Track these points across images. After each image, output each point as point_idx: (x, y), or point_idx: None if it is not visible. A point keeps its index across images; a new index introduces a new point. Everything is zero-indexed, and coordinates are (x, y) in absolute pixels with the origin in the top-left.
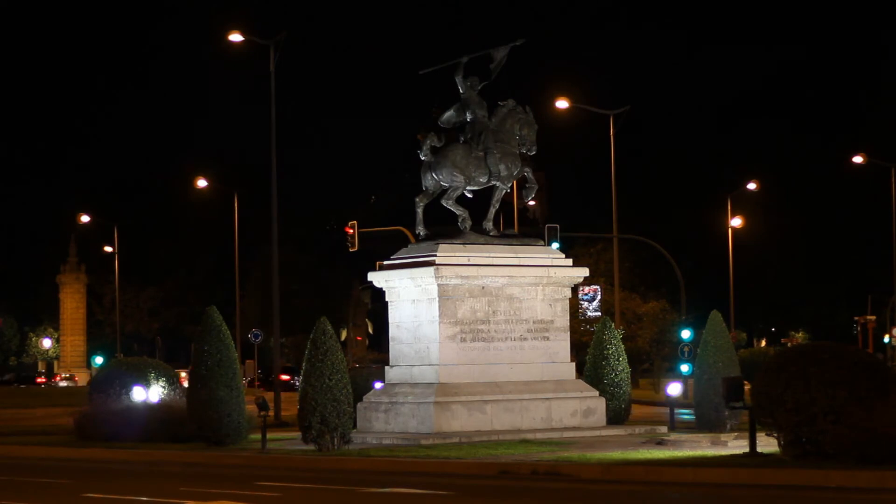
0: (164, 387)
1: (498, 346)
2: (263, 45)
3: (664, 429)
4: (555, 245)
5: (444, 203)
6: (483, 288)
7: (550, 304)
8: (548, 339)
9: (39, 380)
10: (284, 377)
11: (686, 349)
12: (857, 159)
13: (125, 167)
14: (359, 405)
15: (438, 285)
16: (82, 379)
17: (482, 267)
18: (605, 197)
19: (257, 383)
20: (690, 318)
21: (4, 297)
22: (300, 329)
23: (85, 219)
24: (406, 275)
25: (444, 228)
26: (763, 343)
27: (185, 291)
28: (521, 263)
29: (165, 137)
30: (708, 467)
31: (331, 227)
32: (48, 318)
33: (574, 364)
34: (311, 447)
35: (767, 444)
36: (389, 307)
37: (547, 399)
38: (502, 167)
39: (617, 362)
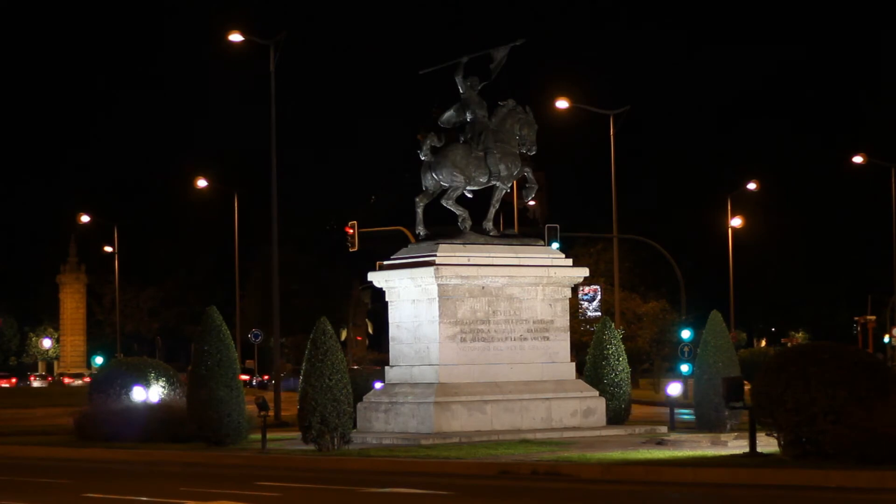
0: (164, 387)
1: (498, 346)
2: (263, 45)
3: (664, 429)
4: (555, 245)
5: (444, 203)
6: (483, 288)
7: (550, 304)
8: (548, 339)
9: (32, 377)
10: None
11: (686, 349)
12: (857, 159)
13: (125, 167)
14: (359, 405)
15: (438, 285)
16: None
17: (482, 267)
18: (605, 197)
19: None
20: (690, 318)
21: (4, 297)
22: (300, 329)
23: (85, 219)
24: (406, 275)
25: (444, 228)
26: (763, 343)
27: (185, 291)
28: (521, 263)
29: (165, 137)
30: (708, 467)
31: (331, 227)
32: (48, 318)
33: (574, 364)
34: (311, 447)
35: (767, 444)
36: (389, 307)
37: (547, 399)
38: (502, 167)
39: (617, 362)
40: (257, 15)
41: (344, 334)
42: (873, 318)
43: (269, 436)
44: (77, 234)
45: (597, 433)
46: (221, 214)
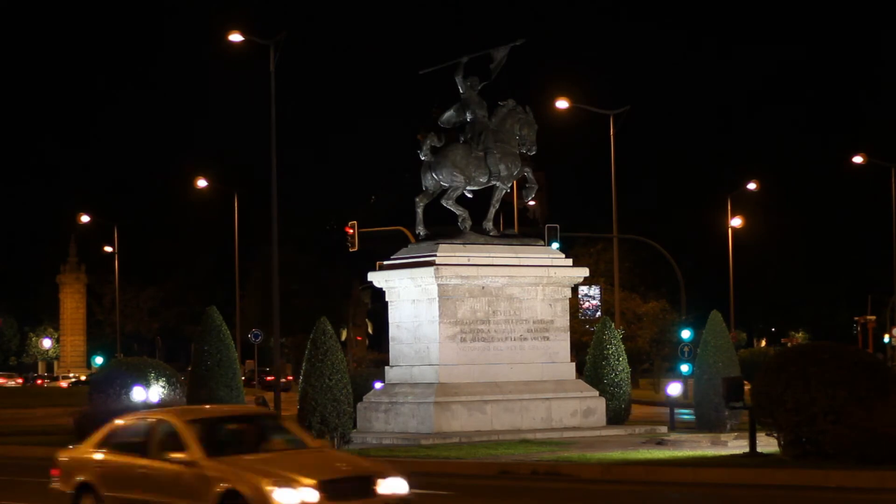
0: (164, 387)
1: (498, 346)
2: (263, 45)
3: (664, 429)
4: (555, 245)
5: (444, 203)
6: (483, 288)
7: (550, 304)
8: (548, 339)
9: (39, 381)
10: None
11: (686, 349)
12: (857, 159)
13: (125, 167)
14: (359, 405)
15: (438, 285)
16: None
17: (482, 267)
18: (605, 197)
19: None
20: (690, 318)
21: (4, 297)
22: (300, 329)
23: (85, 219)
24: (406, 275)
25: (444, 228)
26: (763, 343)
27: (185, 291)
28: (521, 263)
29: (165, 137)
30: (708, 467)
31: (331, 227)
32: (48, 318)
33: (574, 364)
34: None
35: (767, 444)
36: (389, 307)
37: (547, 399)
38: (502, 167)
39: (617, 362)
40: (257, 15)
41: (344, 334)
42: (873, 318)
43: None
44: (77, 234)
45: (597, 433)
46: (221, 214)
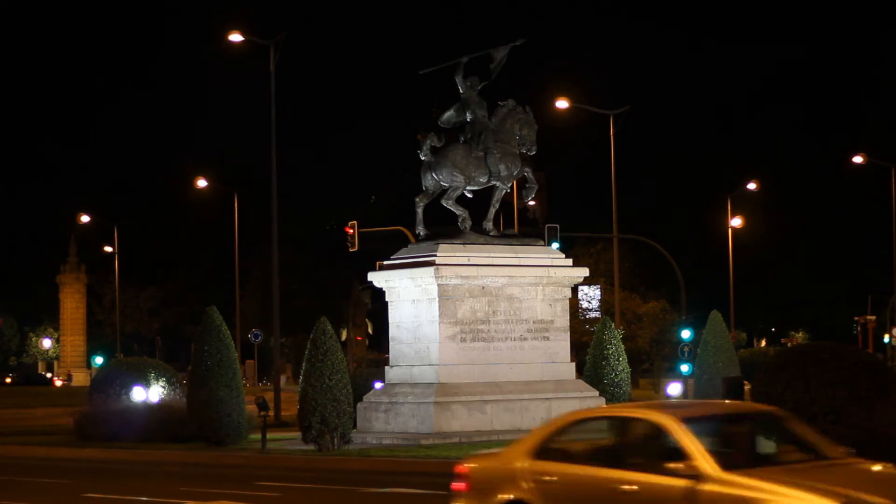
0: (164, 387)
1: (498, 346)
2: (263, 45)
3: None
4: (555, 245)
5: (444, 203)
6: (483, 288)
7: (550, 304)
8: (548, 339)
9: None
10: None
11: (686, 349)
12: (857, 159)
13: (125, 167)
14: (359, 405)
15: (438, 285)
16: (82, 379)
17: (482, 267)
18: (605, 197)
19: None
20: (690, 318)
21: (4, 297)
22: (300, 329)
23: (85, 219)
24: (406, 275)
25: (444, 228)
26: (763, 343)
27: (185, 291)
28: (521, 263)
29: (165, 137)
30: None
31: (331, 227)
32: (48, 318)
33: (574, 364)
34: (311, 447)
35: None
36: (389, 307)
37: (547, 399)
38: (502, 167)
39: (617, 362)
40: (257, 15)
41: (344, 334)
42: (873, 318)
43: (269, 436)
44: (77, 234)
45: None
46: (221, 214)
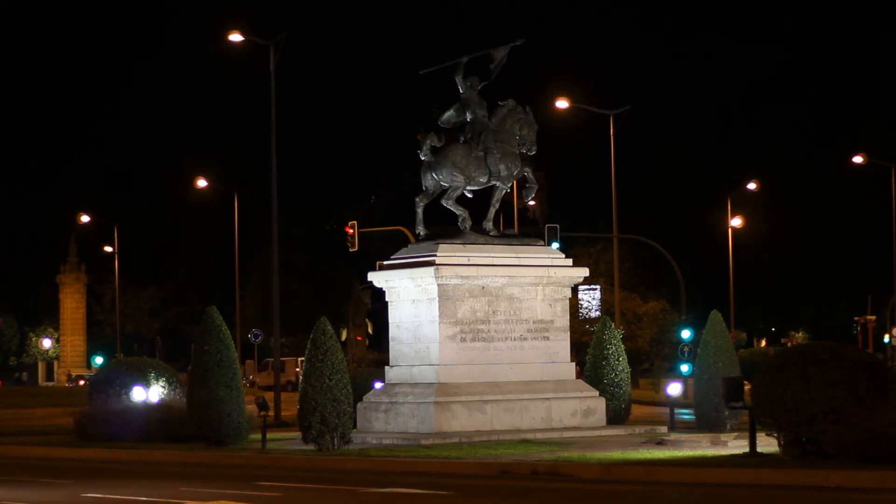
0: (164, 387)
1: (498, 346)
2: (263, 45)
3: (664, 429)
4: (555, 245)
5: (444, 203)
6: (483, 288)
7: (550, 304)
8: (548, 339)
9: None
10: None
11: (686, 349)
12: (857, 159)
13: (125, 167)
14: (359, 405)
15: (438, 285)
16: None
17: (482, 267)
18: (605, 197)
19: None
20: (690, 318)
21: (4, 297)
22: (300, 329)
23: (85, 219)
24: (406, 275)
25: (444, 228)
26: (763, 343)
27: (185, 291)
28: (521, 263)
29: (165, 137)
30: (708, 467)
31: (331, 227)
32: (48, 318)
33: (574, 364)
34: (311, 447)
35: (767, 444)
36: (389, 307)
37: (547, 399)
38: (502, 167)
39: (617, 362)
40: (257, 15)
41: (344, 334)
42: (873, 318)
43: (269, 436)
44: (77, 234)
45: (597, 433)
46: (221, 214)
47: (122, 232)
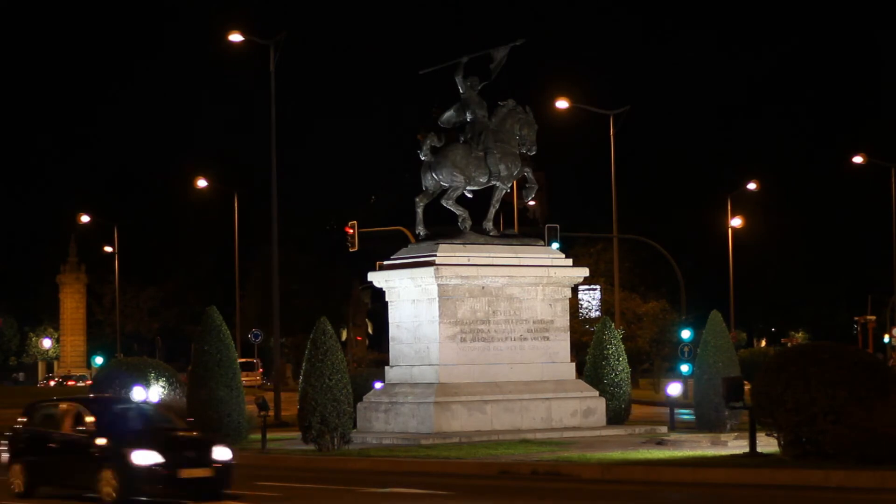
0: (164, 387)
1: (498, 346)
2: (263, 45)
3: (664, 429)
4: (555, 245)
5: (444, 203)
6: (483, 288)
7: (550, 304)
8: (548, 339)
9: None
10: None
11: (686, 349)
12: (857, 159)
13: (125, 167)
14: (359, 405)
15: (438, 285)
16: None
17: (482, 267)
18: (605, 197)
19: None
20: (690, 318)
21: (4, 297)
22: (300, 329)
23: (85, 219)
24: (406, 275)
25: (444, 228)
26: (763, 343)
27: (185, 291)
28: (521, 263)
29: (165, 137)
30: (708, 467)
31: (331, 227)
32: (48, 318)
33: (574, 364)
34: (311, 447)
35: (767, 444)
36: (389, 307)
37: (547, 399)
38: (502, 167)
39: (617, 362)
40: (257, 15)
41: (344, 334)
42: (873, 318)
43: (269, 436)
44: (77, 234)
45: (597, 433)
46: (221, 214)
47: (122, 232)
